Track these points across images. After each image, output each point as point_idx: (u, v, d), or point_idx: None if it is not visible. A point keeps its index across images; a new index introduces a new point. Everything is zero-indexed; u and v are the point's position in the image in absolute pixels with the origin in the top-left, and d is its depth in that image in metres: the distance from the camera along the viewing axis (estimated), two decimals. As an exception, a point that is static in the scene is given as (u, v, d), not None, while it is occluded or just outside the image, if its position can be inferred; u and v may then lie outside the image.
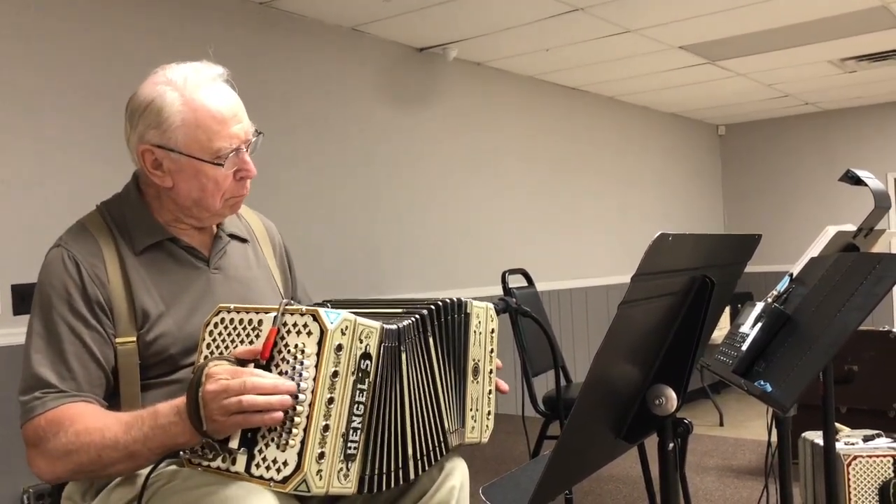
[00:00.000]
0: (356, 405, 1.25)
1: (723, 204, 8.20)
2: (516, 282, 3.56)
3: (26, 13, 3.12)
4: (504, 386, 1.57)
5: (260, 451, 1.22)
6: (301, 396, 1.21)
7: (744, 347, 1.70)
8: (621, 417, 1.32)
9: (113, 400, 1.42)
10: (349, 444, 1.25)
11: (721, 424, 6.13)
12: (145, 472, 1.33)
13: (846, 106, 7.39)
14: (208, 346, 1.33)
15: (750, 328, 1.72)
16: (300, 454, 1.19)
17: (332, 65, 4.34)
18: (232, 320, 1.32)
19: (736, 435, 5.10)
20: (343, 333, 1.23)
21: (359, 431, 1.26)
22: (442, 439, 1.43)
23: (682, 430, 1.34)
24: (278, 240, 1.76)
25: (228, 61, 1.54)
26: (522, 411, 1.94)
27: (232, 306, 1.33)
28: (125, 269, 1.45)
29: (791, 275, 1.94)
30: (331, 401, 1.22)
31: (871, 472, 2.79)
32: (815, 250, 2.25)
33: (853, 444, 2.89)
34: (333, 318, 1.23)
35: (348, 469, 1.25)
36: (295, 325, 1.25)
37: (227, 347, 1.31)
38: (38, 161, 3.12)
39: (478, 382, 1.51)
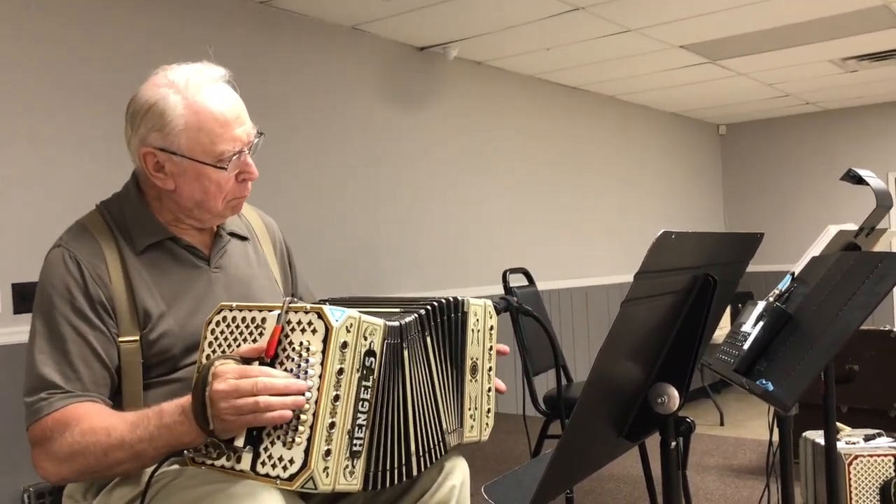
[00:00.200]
0: (361, 402, 1.25)
1: (723, 203, 8.19)
2: (517, 281, 3.57)
3: (26, 13, 3.12)
4: (502, 386, 1.57)
5: (266, 450, 1.22)
6: (307, 394, 1.21)
7: (745, 346, 1.70)
8: (623, 416, 1.31)
9: (116, 399, 1.42)
10: (354, 442, 1.25)
11: (721, 424, 6.13)
12: (149, 470, 1.33)
13: (847, 105, 7.38)
14: (210, 344, 1.33)
15: (752, 327, 1.72)
16: (307, 452, 1.19)
17: (333, 64, 4.34)
18: (234, 319, 1.31)
19: (736, 434, 5.10)
20: (348, 331, 1.23)
21: (364, 428, 1.26)
22: (441, 439, 1.43)
23: (684, 428, 1.34)
24: (279, 236, 1.76)
25: (228, 61, 1.54)
26: (523, 410, 1.94)
27: (234, 304, 1.33)
28: (126, 268, 1.45)
29: (792, 274, 1.94)
30: (336, 398, 1.22)
31: (872, 471, 2.79)
32: (816, 249, 2.25)
33: (854, 443, 2.89)
34: (338, 316, 1.22)
35: (354, 466, 1.25)
36: (299, 322, 1.24)
37: (229, 346, 1.30)
38: (37, 161, 3.11)
39: (476, 381, 1.51)
